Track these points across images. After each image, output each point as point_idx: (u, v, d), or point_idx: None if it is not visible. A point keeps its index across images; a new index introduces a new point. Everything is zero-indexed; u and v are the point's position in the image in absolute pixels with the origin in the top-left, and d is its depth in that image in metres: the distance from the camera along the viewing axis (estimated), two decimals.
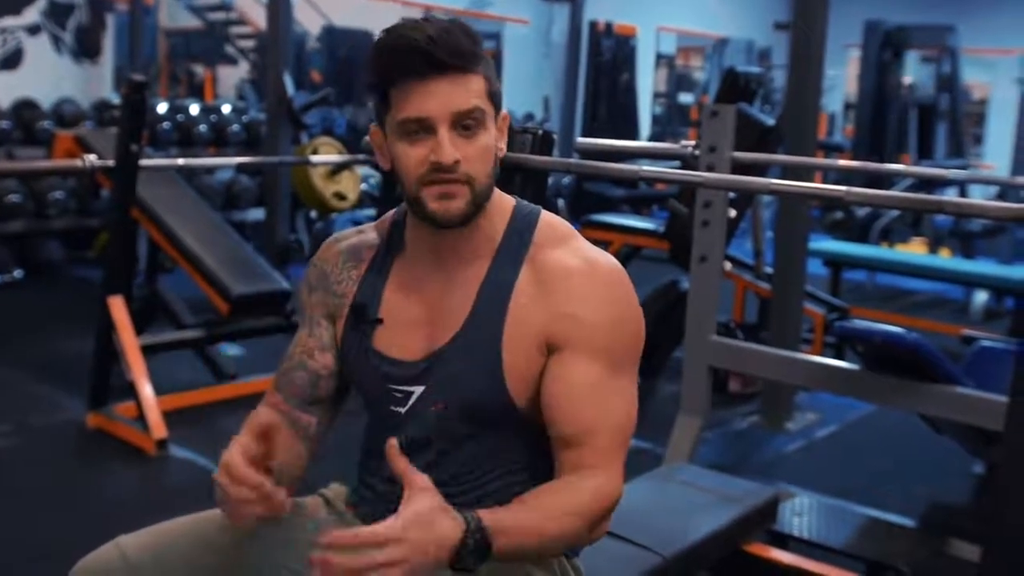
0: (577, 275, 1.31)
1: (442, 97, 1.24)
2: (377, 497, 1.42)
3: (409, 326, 1.36)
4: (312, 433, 1.43)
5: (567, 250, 1.34)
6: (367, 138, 2.95)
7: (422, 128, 1.25)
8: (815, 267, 5.23)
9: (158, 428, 3.46)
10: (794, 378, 3.20)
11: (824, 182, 8.30)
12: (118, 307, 3.64)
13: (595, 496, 1.28)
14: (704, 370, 2.96)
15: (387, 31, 1.28)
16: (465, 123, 1.26)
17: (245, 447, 1.23)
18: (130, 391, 3.55)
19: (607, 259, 1.35)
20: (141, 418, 3.49)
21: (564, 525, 1.25)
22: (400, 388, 1.35)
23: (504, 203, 1.38)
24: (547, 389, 1.30)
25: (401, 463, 1.16)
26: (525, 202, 1.40)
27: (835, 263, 5.98)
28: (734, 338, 3.87)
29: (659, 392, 4.13)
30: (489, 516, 1.18)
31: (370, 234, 1.45)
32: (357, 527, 1.42)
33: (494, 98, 1.30)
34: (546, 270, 1.32)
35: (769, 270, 4.44)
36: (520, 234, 1.35)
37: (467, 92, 1.26)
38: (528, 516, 1.24)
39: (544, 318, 1.30)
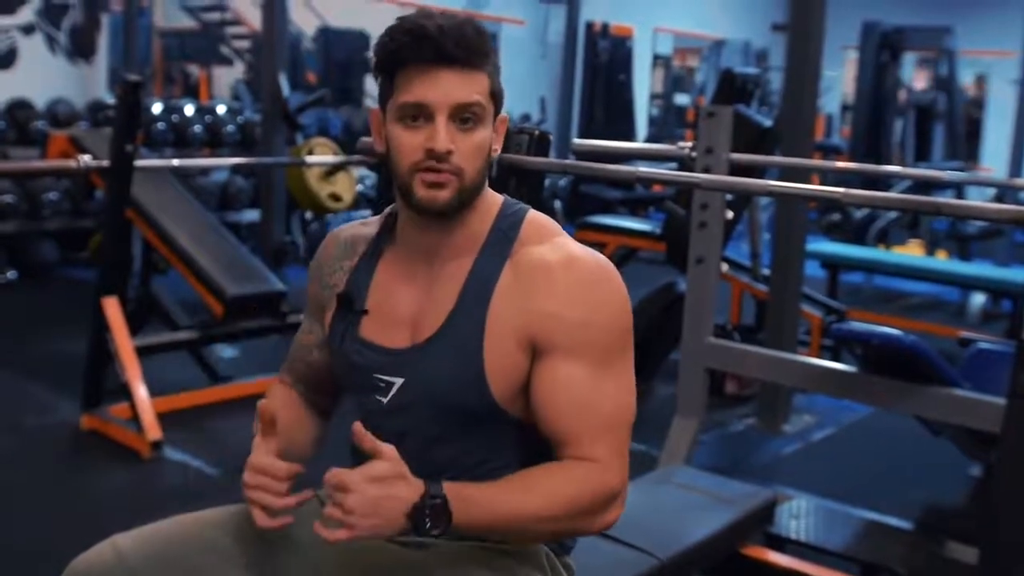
0: (556, 271, 1.31)
1: (445, 87, 1.26)
2: None
3: (395, 317, 1.37)
4: (323, 407, 1.54)
5: (549, 247, 1.33)
6: (363, 139, 2.94)
7: (422, 114, 1.27)
8: (812, 269, 5.23)
9: (152, 430, 3.44)
10: (791, 380, 3.19)
11: (821, 184, 8.29)
12: (112, 308, 3.63)
13: (585, 482, 1.27)
14: (701, 372, 2.95)
15: (400, 18, 1.29)
16: (464, 116, 1.27)
17: (267, 446, 1.31)
18: (124, 393, 3.54)
19: (590, 254, 1.34)
20: (135, 420, 3.47)
21: (547, 506, 1.25)
22: (383, 377, 1.36)
23: (492, 200, 1.38)
24: (535, 393, 1.30)
25: (367, 441, 1.20)
26: (513, 200, 1.41)
27: (832, 265, 5.97)
28: (731, 340, 3.86)
29: (655, 394, 4.11)
30: (453, 486, 1.21)
31: (370, 227, 1.47)
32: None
33: (496, 98, 1.32)
34: (526, 267, 1.32)
35: (766, 272, 4.44)
36: (505, 231, 1.35)
37: (470, 86, 1.27)
38: (503, 491, 1.25)
39: (524, 316, 1.30)
